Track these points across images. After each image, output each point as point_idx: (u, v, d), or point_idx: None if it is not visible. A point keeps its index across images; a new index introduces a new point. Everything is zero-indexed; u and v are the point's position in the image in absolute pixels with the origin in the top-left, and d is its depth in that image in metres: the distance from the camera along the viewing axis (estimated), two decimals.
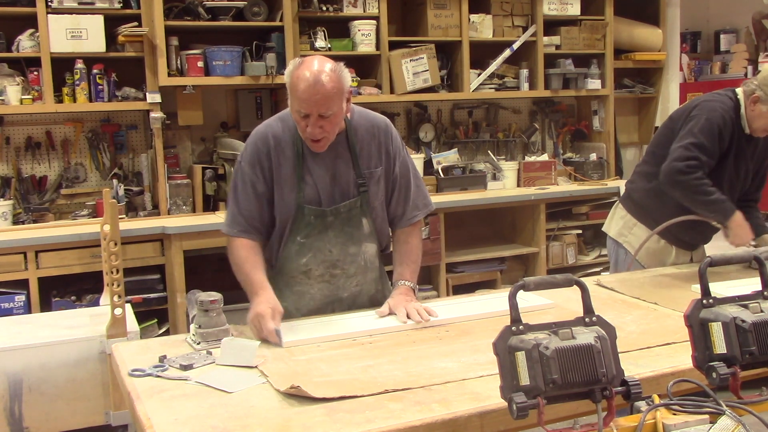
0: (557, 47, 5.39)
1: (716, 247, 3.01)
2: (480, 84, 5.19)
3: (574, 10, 5.40)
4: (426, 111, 5.29)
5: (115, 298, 2.69)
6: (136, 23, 4.25)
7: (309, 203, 2.27)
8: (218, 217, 4.33)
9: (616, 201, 3.20)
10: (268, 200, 2.29)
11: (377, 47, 4.84)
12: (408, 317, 2.17)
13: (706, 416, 1.32)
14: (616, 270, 3.10)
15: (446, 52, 5.14)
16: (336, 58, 5.07)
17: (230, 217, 2.32)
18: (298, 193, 2.26)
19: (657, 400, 1.35)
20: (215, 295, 2.04)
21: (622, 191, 5.16)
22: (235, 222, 2.30)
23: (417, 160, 5.00)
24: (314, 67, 2.12)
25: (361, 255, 2.36)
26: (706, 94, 2.96)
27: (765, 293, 1.46)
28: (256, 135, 2.31)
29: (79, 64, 4.20)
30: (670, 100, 5.93)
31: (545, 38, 5.32)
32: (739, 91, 2.81)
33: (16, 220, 4.22)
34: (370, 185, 2.32)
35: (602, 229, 3.24)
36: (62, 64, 4.19)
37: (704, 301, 1.43)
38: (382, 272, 2.50)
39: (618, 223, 3.10)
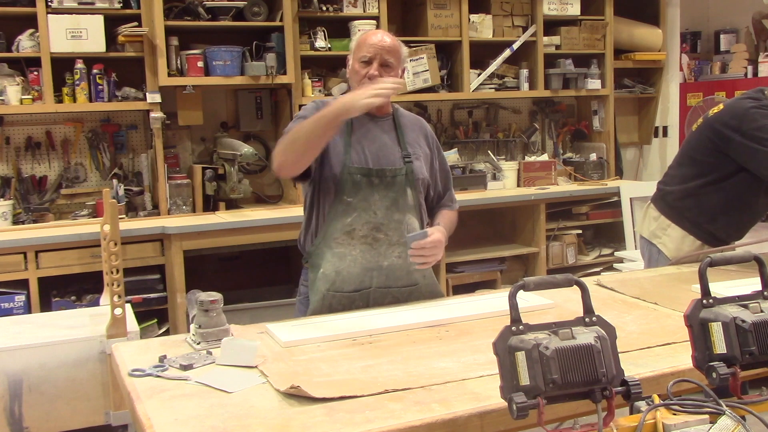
0: (557, 47, 5.39)
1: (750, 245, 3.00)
2: (480, 84, 5.20)
3: (574, 10, 5.41)
4: (426, 111, 5.30)
5: (115, 298, 2.69)
6: (136, 23, 4.25)
7: (356, 164, 2.39)
8: (218, 217, 4.34)
9: (648, 201, 3.16)
10: (326, 158, 2.38)
11: None
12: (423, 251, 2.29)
13: (706, 416, 1.32)
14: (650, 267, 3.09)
15: (446, 52, 5.14)
16: (336, 58, 5.08)
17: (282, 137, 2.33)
18: (345, 155, 2.38)
19: (657, 400, 1.35)
20: (215, 295, 2.04)
21: (623, 191, 5.22)
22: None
23: None
24: (382, 30, 2.57)
25: (405, 225, 2.43)
26: (738, 99, 2.86)
27: (765, 293, 1.46)
28: (315, 101, 2.45)
29: (79, 64, 4.20)
30: (670, 100, 5.94)
31: (545, 38, 5.33)
32: None
33: (16, 220, 4.22)
34: (414, 159, 2.46)
35: (635, 229, 3.23)
36: (62, 64, 4.20)
37: (704, 301, 1.43)
38: None
39: (651, 224, 3.07)
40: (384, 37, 2.41)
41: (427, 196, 2.56)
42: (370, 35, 2.42)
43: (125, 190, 4.44)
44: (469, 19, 5.07)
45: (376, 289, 2.41)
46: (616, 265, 5.04)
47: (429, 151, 2.55)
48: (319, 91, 4.76)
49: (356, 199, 2.38)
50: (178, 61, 4.40)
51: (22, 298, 3.79)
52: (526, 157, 5.51)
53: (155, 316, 4.13)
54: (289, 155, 2.28)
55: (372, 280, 2.40)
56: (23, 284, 3.83)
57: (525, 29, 5.29)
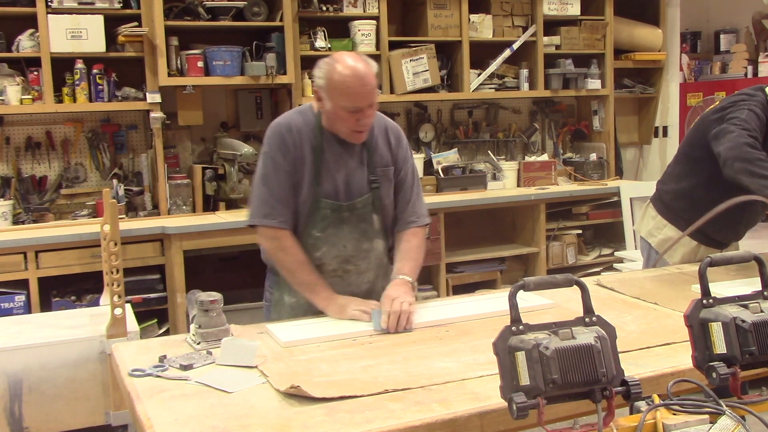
0: (557, 47, 5.39)
1: (748, 244, 2.99)
2: (480, 84, 5.20)
3: (574, 10, 5.41)
4: (426, 111, 5.30)
5: (115, 298, 2.68)
6: (136, 23, 4.25)
7: (326, 197, 2.32)
8: (218, 217, 4.34)
9: (647, 201, 3.15)
10: (296, 189, 2.32)
11: (377, 47, 4.84)
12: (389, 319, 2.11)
13: (706, 416, 1.32)
14: (648, 268, 3.09)
15: (446, 52, 5.14)
16: None
17: (266, 207, 2.30)
18: (316, 186, 2.31)
19: (657, 400, 1.35)
20: (215, 295, 2.04)
21: (623, 191, 5.22)
22: (273, 212, 2.30)
23: (417, 160, 5.00)
24: (355, 63, 2.20)
25: (373, 251, 2.41)
26: (733, 95, 2.85)
27: (765, 293, 1.46)
28: (279, 126, 2.34)
29: (79, 64, 4.20)
30: (670, 100, 5.94)
31: (545, 38, 5.33)
32: None
33: (16, 220, 4.22)
34: (381, 183, 2.38)
35: (633, 228, 3.22)
36: (62, 64, 4.19)
37: (704, 301, 1.43)
38: (388, 270, 2.49)
39: (649, 223, 3.07)
40: (366, 80, 2.19)
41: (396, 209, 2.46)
42: (349, 78, 2.18)
43: (125, 190, 4.44)
44: (469, 19, 5.07)
45: None
46: (616, 265, 5.04)
47: (396, 160, 2.42)
48: None
49: (325, 234, 2.34)
50: (178, 61, 4.40)
51: (22, 298, 3.78)
52: (526, 157, 5.51)
53: (155, 316, 4.12)
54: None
55: None
56: (23, 284, 3.83)
57: (525, 29, 5.29)
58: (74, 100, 4.24)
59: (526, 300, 2.26)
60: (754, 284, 1.50)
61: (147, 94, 4.32)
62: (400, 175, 2.43)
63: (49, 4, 4.10)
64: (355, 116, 2.22)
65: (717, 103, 2.86)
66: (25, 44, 4.14)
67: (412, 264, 2.36)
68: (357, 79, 2.18)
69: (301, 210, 2.33)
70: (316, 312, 2.32)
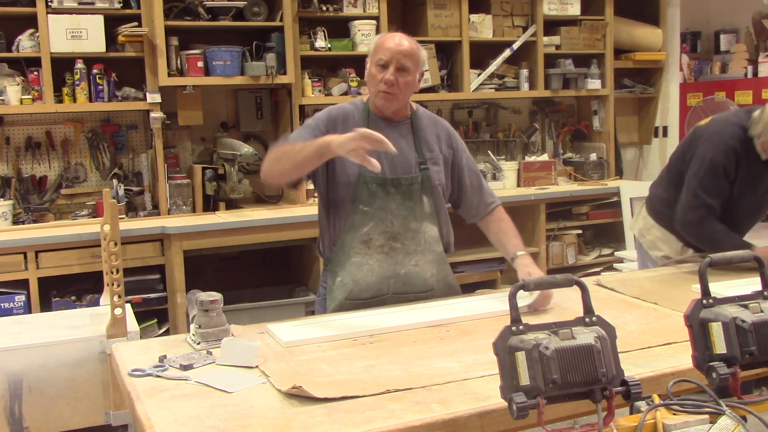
0: (557, 47, 5.39)
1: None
2: (480, 84, 5.20)
3: (574, 10, 5.41)
4: None
5: (115, 298, 2.69)
6: (136, 23, 4.25)
7: (371, 172, 2.32)
8: (218, 217, 4.34)
9: (642, 201, 3.24)
10: (343, 168, 2.36)
11: None
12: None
13: (706, 416, 1.32)
14: (643, 267, 3.17)
15: (446, 52, 5.14)
16: (336, 58, 5.07)
17: (280, 140, 2.38)
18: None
19: (657, 400, 1.35)
20: (215, 295, 2.04)
21: (623, 191, 5.22)
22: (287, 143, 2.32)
23: None
24: (400, 33, 2.42)
25: (422, 233, 2.43)
26: (718, 119, 2.87)
27: (765, 293, 1.46)
28: (330, 108, 2.47)
29: (79, 64, 4.20)
30: (670, 100, 5.94)
31: (545, 38, 5.33)
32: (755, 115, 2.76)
33: (16, 220, 4.22)
34: (430, 166, 2.44)
35: (628, 227, 3.29)
36: (62, 64, 4.20)
37: (704, 301, 1.43)
38: (443, 259, 2.53)
39: (640, 222, 3.17)
40: (402, 41, 2.36)
41: (465, 199, 2.56)
42: (388, 38, 2.39)
43: (125, 190, 4.44)
44: (469, 19, 5.07)
45: (392, 296, 2.41)
46: (616, 265, 5.04)
47: (450, 152, 2.51)
48: (319, 91, 4.75)
49: (372, 208, 2.38)
50: (178, 61, 4.40)
51: (22, 298, 3.78)
52: (526, 157, 5.51)
53: (155, 316, 4.13)
54: (275, 169, 2.32)
55: (389, 288, 2.41)
56: (23, 284, 3.83)
57: (525, 29, 5.29)
58: (74, 100, 4.24)
59: (526, 300, 2.26)
60: (754, 284, 1.50)
61: (147, 94, 4.32)
62: (460, 165, 2.52)
63: (49, 4, 4.10)
64: (382, 73, 2.34)
65: (708, 119, 2.89)
66: (25, 44, 4.15)
67: (518, 239, 2.52)
68: (393, 38, 2.37)
69: (348, 185, 2.37)
70: (361, 288, 2.37)
